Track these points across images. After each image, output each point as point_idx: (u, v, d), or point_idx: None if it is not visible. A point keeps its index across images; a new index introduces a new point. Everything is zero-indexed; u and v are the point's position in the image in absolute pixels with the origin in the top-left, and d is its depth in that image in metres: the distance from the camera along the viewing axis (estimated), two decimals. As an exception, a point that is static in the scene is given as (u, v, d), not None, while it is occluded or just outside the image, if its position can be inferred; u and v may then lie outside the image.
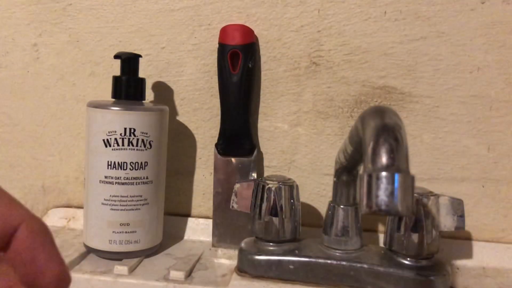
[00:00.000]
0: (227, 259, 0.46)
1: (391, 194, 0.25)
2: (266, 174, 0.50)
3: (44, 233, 0.19)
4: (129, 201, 0.43)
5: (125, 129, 0.42)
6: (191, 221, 0.52)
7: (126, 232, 0.43)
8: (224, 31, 0.47)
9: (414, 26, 0.46)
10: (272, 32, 0.48)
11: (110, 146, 0.42)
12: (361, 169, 0.32)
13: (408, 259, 0.40)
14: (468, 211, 0.47)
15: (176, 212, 0.52)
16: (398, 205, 0.25)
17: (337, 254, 0.41)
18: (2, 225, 0.18)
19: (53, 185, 0.55)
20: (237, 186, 0.44)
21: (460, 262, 0.46)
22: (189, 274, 0.42)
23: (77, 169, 0.54)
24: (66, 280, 0.19)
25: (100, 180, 0.43)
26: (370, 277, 0.39)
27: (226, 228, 0.48)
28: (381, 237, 0.48)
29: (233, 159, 0.48)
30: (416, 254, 0.39)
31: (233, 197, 0.44)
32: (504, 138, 0.47)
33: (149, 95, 0.51)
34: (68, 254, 0.44)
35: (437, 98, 0.47)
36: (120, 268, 0.41)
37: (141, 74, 0.46)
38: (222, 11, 0.49)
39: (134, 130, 0.42)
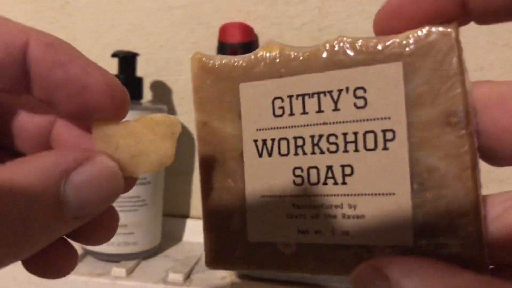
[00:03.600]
0: (226, 261, 0.46)
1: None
2: (266, 174, 0.49)
3: (60, 43, 0.15)
4: (126, 202, 0.42)
5: (123, 128, 0.42)
6: (190, 223, 0.51)
7: (123, 233, 0.43)
8: (223, 29, 0.47)
9: (416, 24, 0.46)
10: (272, 31, 0.48)
11: (107, 146, 0.42)
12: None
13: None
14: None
15: (174, 213, 0.52)
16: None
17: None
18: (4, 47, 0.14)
19: (50, 186, 0.54)
20: (236, 186, 0.43)
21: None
22: (188, 276, 0.42)
23: (74, 170, 0.53)
24: (116, 84, 0.16)
25: (97, 181, 0.42)
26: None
27: (225, 230, 0.48)
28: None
29: (232, 159, 0.48)
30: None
31: (232, 198, 0.43)
32: (507, 138, 0.46)
33: (147, 94, 0.51)
34: (65, 256, 0.43)
35: (440, 97, 0.46)
36: (118, 270, 0.41)
37: (139, 73, 0.45)
38: (221, 9, 0.48)
39: (132, 129, 0.42)
